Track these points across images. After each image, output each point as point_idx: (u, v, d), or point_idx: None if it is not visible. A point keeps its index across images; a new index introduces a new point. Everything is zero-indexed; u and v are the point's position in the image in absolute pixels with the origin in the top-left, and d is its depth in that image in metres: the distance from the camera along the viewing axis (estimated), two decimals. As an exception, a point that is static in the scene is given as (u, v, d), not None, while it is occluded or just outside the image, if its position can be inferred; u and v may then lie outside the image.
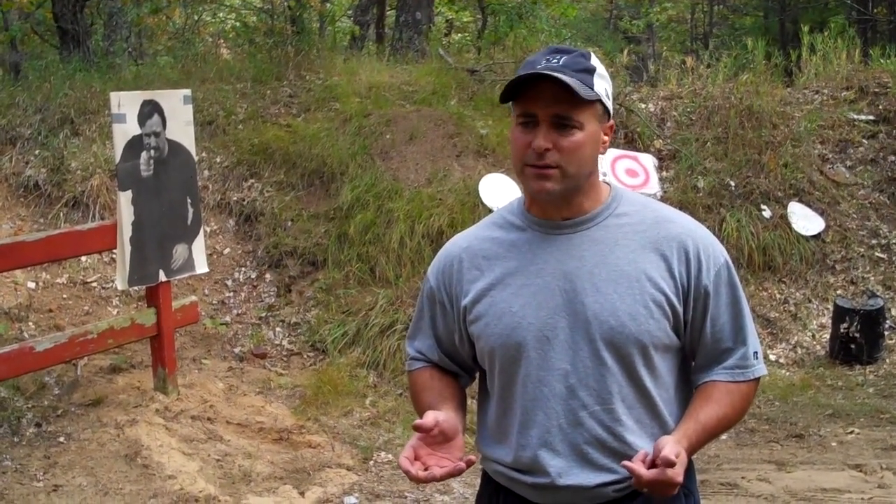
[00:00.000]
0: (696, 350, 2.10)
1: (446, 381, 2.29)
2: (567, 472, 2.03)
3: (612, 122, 2.07)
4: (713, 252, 2.06)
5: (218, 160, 7.83)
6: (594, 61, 2.01)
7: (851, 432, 5.70)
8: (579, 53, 2.01)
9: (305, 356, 6.67)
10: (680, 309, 2.03)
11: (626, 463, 1.89)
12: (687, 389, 2.13)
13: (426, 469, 2.02)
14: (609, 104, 2.03)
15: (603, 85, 2.00)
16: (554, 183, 1.98)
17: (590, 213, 2.06)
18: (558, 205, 2.04)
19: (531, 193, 2.06)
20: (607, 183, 2.13)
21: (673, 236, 2.04)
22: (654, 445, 1.93)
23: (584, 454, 2.02)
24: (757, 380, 2.12)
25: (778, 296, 7.29)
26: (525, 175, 2.01)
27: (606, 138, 2.05)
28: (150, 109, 5.37)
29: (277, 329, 6.90)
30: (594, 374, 2.01)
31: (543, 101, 1.95)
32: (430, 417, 2.05)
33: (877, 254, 7.63)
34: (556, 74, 1.92)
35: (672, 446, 1.89)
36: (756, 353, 2.10)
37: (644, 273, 2.01)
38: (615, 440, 2.01)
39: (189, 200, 5.65)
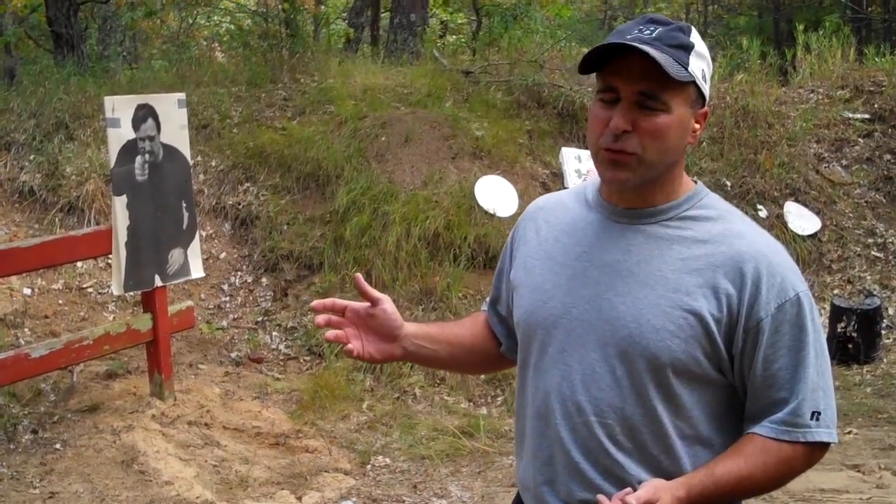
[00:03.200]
0: (747, 392, 1.81)
1: (476, 330, 2.16)
2: (552, 482, 1.89)
3: (706, 108, 1.82)
4: (782, 282, 1.76)
5: (213, 164, 7.81)
6: (694, 37, 1.77)
7: (849, 432, 5.69)
8: (677, 27, 1.77)
9: (302, 360, 6.66)
10: (719, 337, 1.76)
11: (600, 496, 1.73)
12: (731, 433, 1.85)
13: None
14: (706, 88, 1.78)
15: (700, 65, 1.76)
16: (629, 172, 1.77)
17: (655, 208, 1.83)
18: (627, 193, 1.84)
19: (603, 181, 1.86)
20: (695, 180, 1.91)
21: (732, 254, 1.77)
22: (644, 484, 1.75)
23: (576, 468, 1.85)
24: (811, 445, 1.79)
25: (775, 296, 7.28)
26: (599, 159, 1.80)
27: (698, 126, 1.81)
28: (145, 114, 5.35)
29: (274, 333, 6.89)
30: (600, 380, 1.82)
31: (629, 76, 1.72)
32: (329, 300, 1.99)
33: (873, 253, 7.63)
34: (644, 48, 1.68)
35: (647, 489, 1.71)
36: (817, 413, 1.77)
37: (685, 286, 1.77)
38: (606, 457, 1.82)
39: (184, 205, 5.63)
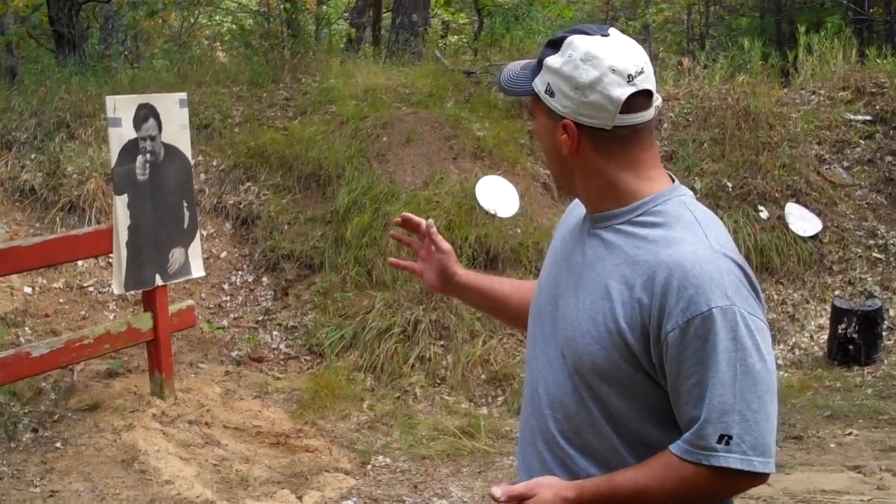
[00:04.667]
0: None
1: (530, 296, 2.12)
2: (529, 469, 1.95)
3: (566, 120, 1.79)
4: (694, 296, 1.67)
5: (214, 163, 7.82)
6: (559, 53, 1.80)
7: (850, 433, 5.69)
8: (550, 41, 1.84)
9: (303, 360, 6.66)
10: (637, 346, 1.73)
11: (493, 489, 1.80)
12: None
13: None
14: (551, 101, 1.81)
15: (546, 80, 1.81)
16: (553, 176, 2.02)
17: (610, 212, 1.83)
18: (581, 200, 1.93)
19: None
20: (672, 178, 1.88)
21: (653, 263, 1.73)
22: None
23: (541, 456, 1.92)
24: (718, 471, 1.69)
25: (776, 297, 7.29)
26: None
27: (565, 137, 1.80)
28: (146, 113, 5.36)
29: (274, 333, 6.89)
30: (555, 377, 1.88)
31: None
32: (407, 215, 2.26)
33: (874, 254, 7.63)
34: (505, 67, 1.95)
35: (526, 485, 1.81)
36: (726, 437, 1.66)
37: (612, 293, 1.76)
38: (559, 449, 1.87)
39: (185, 204, 5.63)
